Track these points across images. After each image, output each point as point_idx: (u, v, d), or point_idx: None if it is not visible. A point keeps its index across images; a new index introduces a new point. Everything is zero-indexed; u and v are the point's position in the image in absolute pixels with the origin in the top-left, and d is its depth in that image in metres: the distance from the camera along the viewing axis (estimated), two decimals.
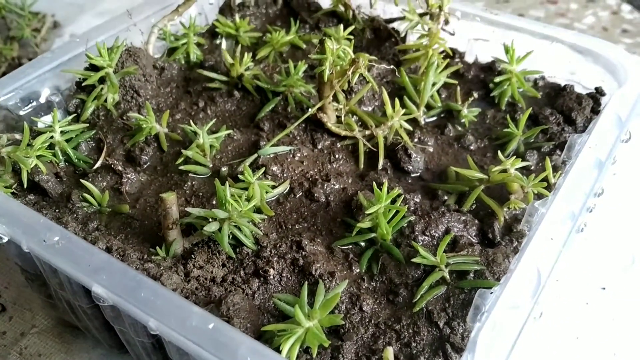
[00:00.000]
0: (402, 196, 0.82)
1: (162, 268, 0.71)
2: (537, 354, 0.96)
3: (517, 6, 2.03)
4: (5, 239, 0.72)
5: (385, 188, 0.78)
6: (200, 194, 0.85)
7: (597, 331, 1.01)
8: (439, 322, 0.70)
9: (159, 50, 1.13)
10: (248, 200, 0.77)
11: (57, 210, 0.82)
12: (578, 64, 1.08)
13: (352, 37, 1.03)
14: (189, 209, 0.75)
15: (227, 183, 0.75)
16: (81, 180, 0.84)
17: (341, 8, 1.21)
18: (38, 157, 0.82)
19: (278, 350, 0.61)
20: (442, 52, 1.06)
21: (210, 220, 0.74)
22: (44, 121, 0.93)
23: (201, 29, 1.16)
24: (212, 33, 1.20)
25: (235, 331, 0.60)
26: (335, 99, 0.95)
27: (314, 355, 0.63)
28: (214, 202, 0.83)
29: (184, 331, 0.60)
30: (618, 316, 1.03)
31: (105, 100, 0.96)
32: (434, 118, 1.02)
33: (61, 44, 1.29)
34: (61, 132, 0.89)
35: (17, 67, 1.61)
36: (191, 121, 0.91)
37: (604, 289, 1.08)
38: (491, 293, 0.68)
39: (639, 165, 1.23)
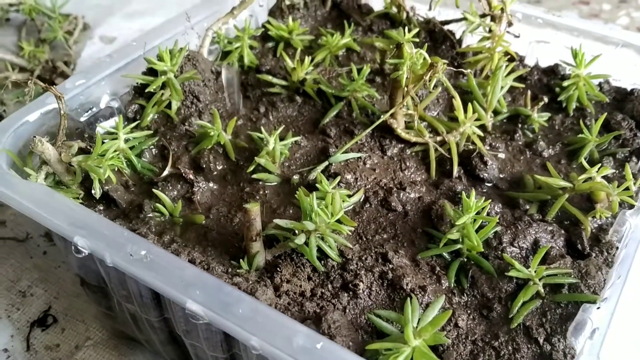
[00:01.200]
0: (487, 206, 0.79)
1: (250, 282, 0.68)
2: None
3: (549, 6, 2.00)
4: (86, 252, 0.69)
5: (472, 197, 0.75)
6: (274, 203, 0.83)
7: None
8: (538, 338, 0.67)
9: (210, 53, 1.10)
10: (329, 210, 0.74)
11: (130, 222, 0.79)
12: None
13: (416, 40, 1.00)
14: (277, 221, 0.72)
15: (314, 194, 0.72)
16: (153, 190, 0.81)
17: (394, 10, 1.19)
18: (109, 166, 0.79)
19: None
20: (506, 54, 1.04)
21: (297, 232, 0.71)
22: (104, 126, 0.90)
23: (255, 32, 1.13)
24: (263, 36, 1.17)
25: (345, 351, 0.57)
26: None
27: None
28: (290, 212, 0.80)
29: (291, 351, 0.57)
30: None
31: (168, 107, 0.93)
32: (499, 123, 1.00)
33: (118, 47, 1.26)
34: (124, 139, 0.86)
35: (52, 70, 1.60)
36: (262, 128, 0.88)
37: None
38: (598, 308, 0.65)
39: None
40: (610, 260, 0.75)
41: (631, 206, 0.80)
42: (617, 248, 0.75)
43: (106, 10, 1.89)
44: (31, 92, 0.78)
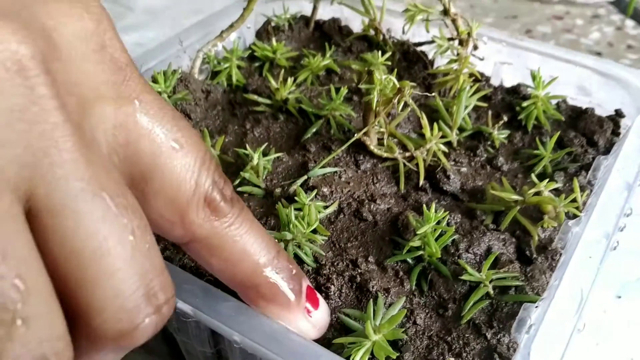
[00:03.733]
0: (447, 216, 0.88)
1: None
2: None
3: (525, 21, 2.11)
4: None
5: (432, 209, 0.85)
6: (258, 214, 0.92)
7: (615, 337, 1.09)
8: (486, 334, 0.77)
9: (201, 72, 1.19)
10: (305, 220, 0.84)
11: None
12: (599, 87, 1.16)
13: (389, 63, 1.10)
14: None
15: (291, 207, 0.81)
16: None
17: (372, 32, 1.28)
18: None
19: None
20: (471, 75, 1.14)
21: (277, 241, 0.81)
22: None
23: (242, 53, 1.22)
24: (250, 56, 1.26)
25: (314, 344, 0.67)
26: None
27: None
28: (272, 223, 0.90)
29: (268, 344, 0.66)
30: (633, 322, 1.11)
31: None
32: (464, 140, 1.09)
33: None
34: None
35: None
36: (247, 145, 0.97)
37: (619, 297, 1.16)
38: (536, 307, 0.75)
39: None
40: (554, 265, 0.84)
41: (576, 216, 0.89)
42: (561, 254, 0.85)
43: None
44: None
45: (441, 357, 0.75)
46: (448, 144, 1.06)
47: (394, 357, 0.69)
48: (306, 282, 0.71)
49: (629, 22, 2.11)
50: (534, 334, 0.70)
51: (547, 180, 0.91)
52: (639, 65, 1.87)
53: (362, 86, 0.93)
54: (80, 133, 0.43)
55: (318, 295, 0.73)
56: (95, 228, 0.41)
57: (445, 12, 1.11)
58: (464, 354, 0.76)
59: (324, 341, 0.74)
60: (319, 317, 0.71)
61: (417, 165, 1.00)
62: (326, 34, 1.33)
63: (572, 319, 0.70)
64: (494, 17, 2.13)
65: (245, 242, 0.60)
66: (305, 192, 0.90)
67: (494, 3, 2.21)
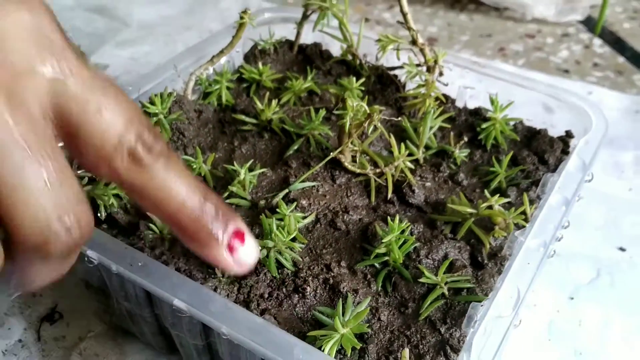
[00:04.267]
0: (409, 226, 1.01)
1: (222, 284, 0.90)
2: (519, 353, 1.17)
3: (499, 39, 2.24)
4: (95, 263, 0.90)
5: (397, 220, 0.97)
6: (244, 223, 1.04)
7: (566, 334, 1.22)
8: (440, 329, 0.89)
9: (194, 92, 1.31)
10: (285, 229, 0.96)
11: (129, 238, 1.00)
12: (554, 109, 1.29)
13: (362, 88, 1.22)
14: None
15: (273, 217, 0.94)
16: (147, 212, 1.02)
17: (350, 57, 1.41)
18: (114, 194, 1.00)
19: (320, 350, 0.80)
20: (437, 99, 1.26)
21: (260, 248, 0.93)
22: None
23: (231, 76, 1.34)
24: (238, 78, 1.38)
25: (290, 336, 0.79)
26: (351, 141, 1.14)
27: (349, 355, 0.82)
28: (257, 231, 1.02)
29: (251, 336, 0.79)
30: (583, 320, 1.24)
31: None
32: (430, 157, 1.22)
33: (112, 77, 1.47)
34: None
35: None
36: (235, 162, 1.09)
37: (572, 298, 1.29)
38: (481, 306, 0.88)
39: (599, 200, 1.45)
40: (501, 270, 0.97)
41: (523, 226, 1.02)
42: (508, 260, 0.98)
43: (99, 38, 2.09)
44: None
45: (400, 349, 0.88)
46: (415, 161, 1.18)
47: (359, 348, 0.81)
48: (234, 224, 0.73)
49: (597, 41, 2.25)
50: (477, 328, 0.83)
51: (498, 195, 1.03)
52: (603, 82, 2.01)
53: (337, 112, 1.05)
54: (7, 95, 0.56)
55: (247, 236, 0.75)
56: (19, 166, 0.55)
57: (414, 42, 1.24)
58: (421, 346, 0.88)
59: (300, 334, 0.86)
60: (243, 256, 0.74)
61: (386, 180, 1.12)
62: (308, 57, 1.46)
63: (510, 316, 0.83)
64: (469, 35, 2.27)
65: (170, 188, 0.67)
66: (286, 204, 1.02)
67: (470, 22, 2.34)
